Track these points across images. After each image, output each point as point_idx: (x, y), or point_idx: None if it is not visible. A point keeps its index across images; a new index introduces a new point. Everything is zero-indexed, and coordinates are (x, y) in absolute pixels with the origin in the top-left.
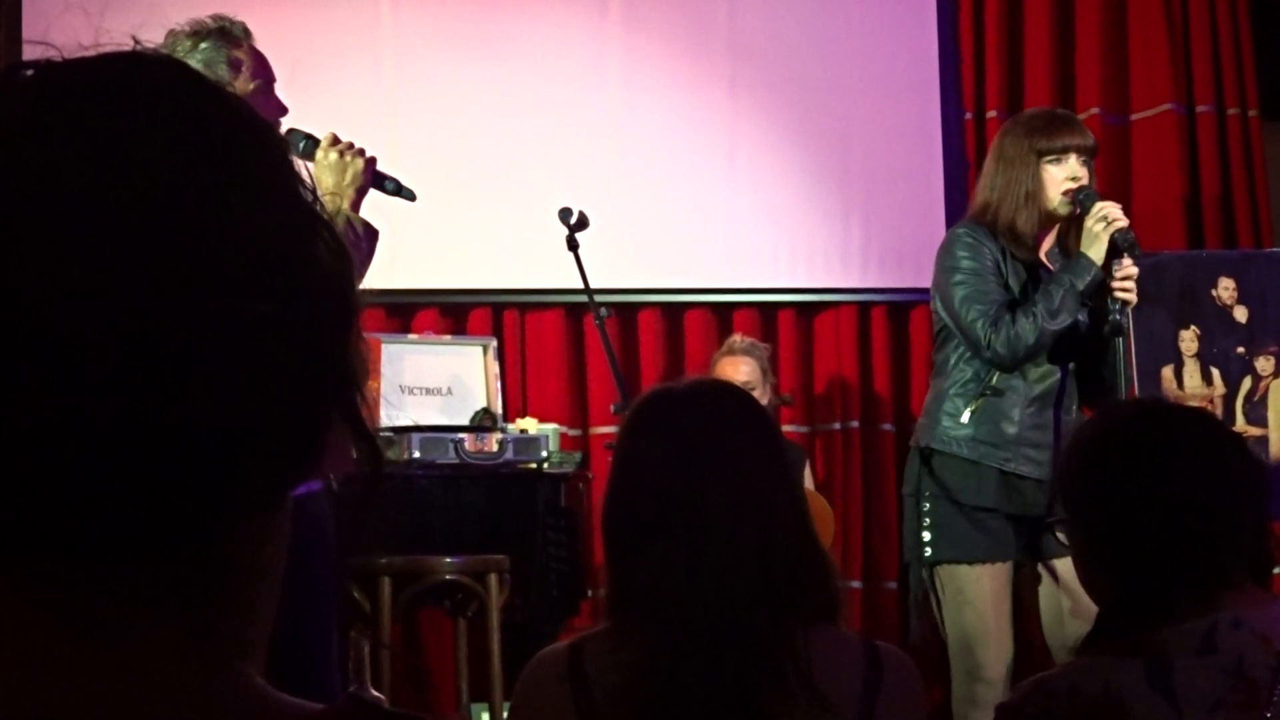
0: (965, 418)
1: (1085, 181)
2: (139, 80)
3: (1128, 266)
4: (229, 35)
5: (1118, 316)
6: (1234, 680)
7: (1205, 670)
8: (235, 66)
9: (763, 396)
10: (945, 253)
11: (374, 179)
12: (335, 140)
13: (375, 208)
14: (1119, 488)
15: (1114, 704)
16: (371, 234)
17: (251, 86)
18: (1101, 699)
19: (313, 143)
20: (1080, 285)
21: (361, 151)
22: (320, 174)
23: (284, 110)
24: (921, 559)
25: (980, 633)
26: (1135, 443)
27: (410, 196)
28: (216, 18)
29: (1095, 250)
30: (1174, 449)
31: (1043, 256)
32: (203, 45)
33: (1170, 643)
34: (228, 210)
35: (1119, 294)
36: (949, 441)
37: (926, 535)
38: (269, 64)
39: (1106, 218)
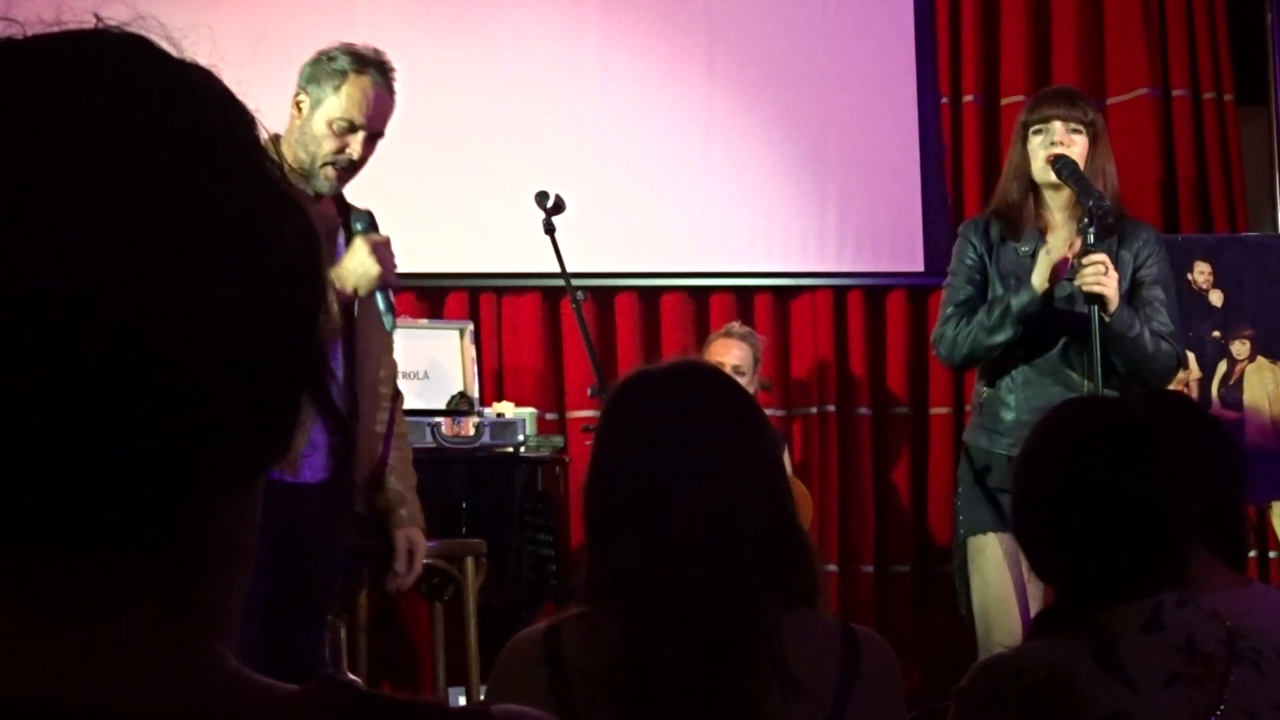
0: (979, 408)
1: (1073, 149)
2: (102, 58)
3: (1094, 257)
4: (365, 66)
5: (1094, 308)
6: (1187, 656)
7: (1154, 647)
8: (340, 94)
9: (749, 385)
10: None
11: (378, 288)
12: (378, 243)
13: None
14: (1057, 484)
15: (1060, 683)
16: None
17: (334, 115)
18: (1047, 679)
19: (372, 228)
20: (1015, 309)
21: (384, 262)
22: (353, 250)
23: (344, 154)
24: (956, 537)
25: (987, 602)
26: (1071, 437)
27: (384, 323)
28: (377, 51)
29: (1038, 275)
30: (1108, 444)
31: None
32: (336, 60)
33: (1114, 622)
34: (192, 192)
35: (1085, 286)
36: (973, 430)
37: (960, 516)
38: (386, 118)
39: (1049, 252)
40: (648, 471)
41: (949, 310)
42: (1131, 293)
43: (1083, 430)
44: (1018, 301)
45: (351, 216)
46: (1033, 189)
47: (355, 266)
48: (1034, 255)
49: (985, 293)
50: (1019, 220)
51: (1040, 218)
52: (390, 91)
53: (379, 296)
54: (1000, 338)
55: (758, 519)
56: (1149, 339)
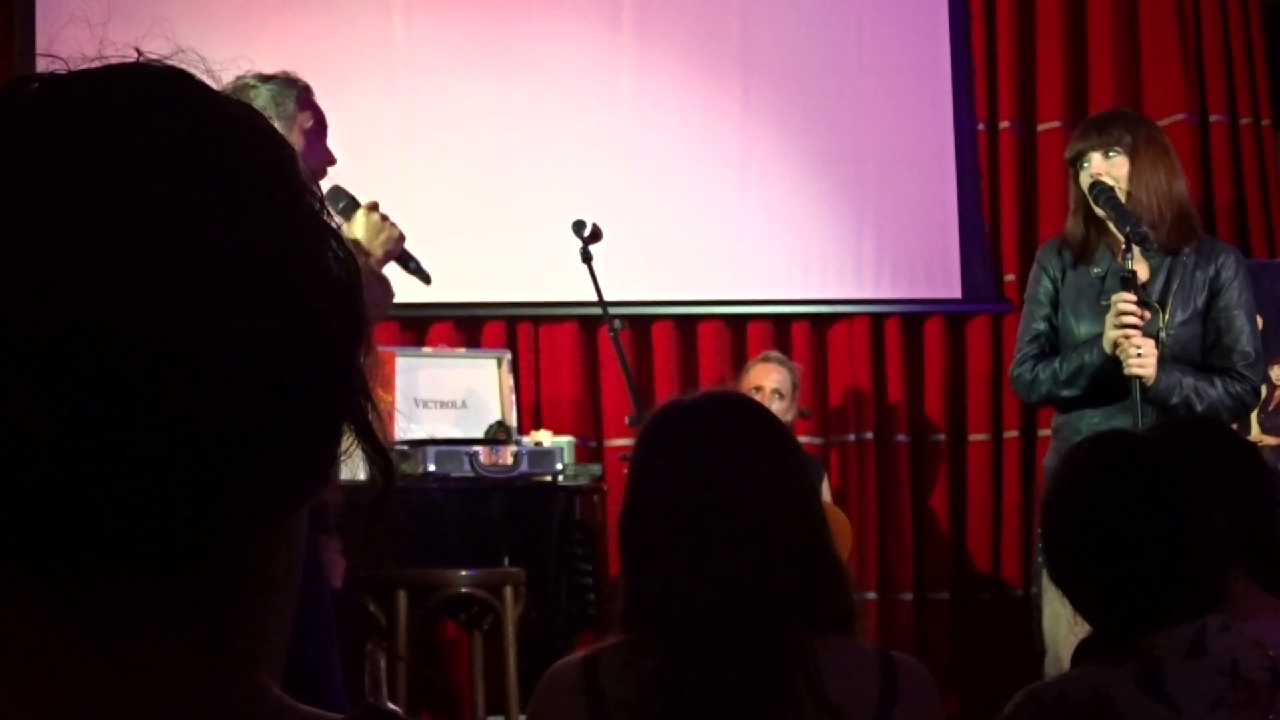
0: (1057, 430)
1: (1110, 175)
2: (144, 92)
3: (1133, 348)
4: (295, 82)
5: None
6: (1231, 680)
7: (1198, 671)
8: (301, 104)
9: (787, 410)
10: None
11: (400, 254)
12: (375, 207)
13: (391, 209)
14: (1080, 520)
15: (1104, 708)
16: (386, 287)
17: (309, 125)
18: (1091, 705)
19: (354, 205)
20: (1089, 369)
21: (394, 225)
22: (353, 229)
23: (332, 160)
24: (1035, 563)
25: (1058, 637)
26: (1086, 472)
27: (426, 280)
28: (283, 73)
29: (1108, 339)
30: (1123, 474)
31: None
32: (269, 85)
33: (1157, 647)
34: (232, 223)
35: (1126, 370)
36: (1050, 454)
37: (1039, 545)
38: (325, 118)
39: (1118, 313)
40: (681, 500)
41: (1024, 344)
42: (1206, 313)
43: (1096, 463)
44: (1090, 361)
45: (327, 200)
46: (1094, 219)
47: (371, 234)
48: (1105, 277)
49: (1058, 318)
50: (1087, 250)
51: (1108, 234)
52: None
53: (409, 261)
54: (1070, 392)
55: (792, 546)
56: (1195, 398)
